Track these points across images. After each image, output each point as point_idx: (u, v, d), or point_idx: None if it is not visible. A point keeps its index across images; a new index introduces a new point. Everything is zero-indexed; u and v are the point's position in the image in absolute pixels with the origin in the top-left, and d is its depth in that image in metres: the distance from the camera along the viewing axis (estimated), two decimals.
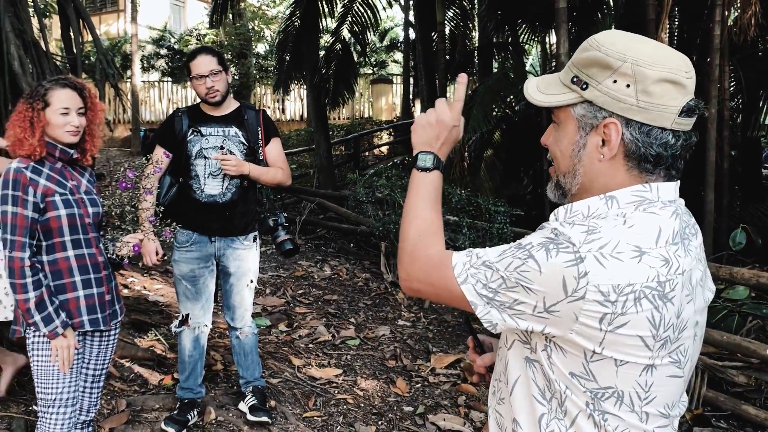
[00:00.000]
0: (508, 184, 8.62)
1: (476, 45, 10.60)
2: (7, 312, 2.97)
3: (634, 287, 0.95)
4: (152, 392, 3.55)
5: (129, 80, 16.67)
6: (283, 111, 18.61)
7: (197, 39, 17.42)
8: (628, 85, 0.98)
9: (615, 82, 0.99)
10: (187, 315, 3.26)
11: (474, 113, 6.51)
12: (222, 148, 3.18)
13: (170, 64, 18.93)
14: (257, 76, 17.26)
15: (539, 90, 1.10)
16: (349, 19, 9.41)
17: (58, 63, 5.71)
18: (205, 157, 3.19)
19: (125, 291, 4.96)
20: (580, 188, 1.07)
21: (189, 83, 3.24)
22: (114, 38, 20.69)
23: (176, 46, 19.18)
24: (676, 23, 7.53)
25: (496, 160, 8.64)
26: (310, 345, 4.42)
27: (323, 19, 9.14)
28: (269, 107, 18.53)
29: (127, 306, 4.46)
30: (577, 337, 0.98)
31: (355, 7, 9.28)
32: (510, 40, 9.40)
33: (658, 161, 1.02)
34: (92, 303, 2.38)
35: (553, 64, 9.22)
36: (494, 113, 7.41)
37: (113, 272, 2.56)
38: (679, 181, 1.07)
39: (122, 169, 2.66)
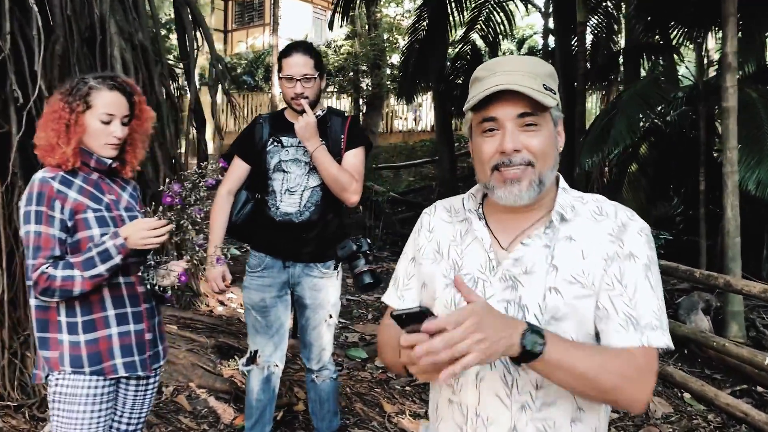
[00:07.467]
0: (656, 204, 7.71)
1: (621, 47, 9.44)
2: None
3: None
4: None
5: (269, 91, 17.16)
6: (415, 121, 18.29)
7: (334, 51, 17.59)
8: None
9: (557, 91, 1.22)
10: (256, 352, 2.83)
11: (617, 123, 5.64)
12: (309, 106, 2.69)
13: None
14: (390, 87, 17.05)
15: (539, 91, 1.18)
16: (480, 24, 8.78)
17: (174, 69, 5.65)
18: (284, 171, 2.75)
19: (220, 309, 4.68)
20: None
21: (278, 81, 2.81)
22: (259, 51, 21.54)
23: None
24: None
25: (642, 177, 7.58)
26: (407, 388, 3.85)
27: (451, 27, 8.58)
28: (404, 117, 18.30)
29: (217, 327, 4.17)
30: None
31: (487, 13, 8.62)
32: (662, 42, 8.23)
33: None
34: (128, 343, 1.98)
35: (715, 66, 8.02)
36: (641, 123, 6.43)
37: (157, 306, 2.16)
38: None
39: (167, 181, 2.16)
